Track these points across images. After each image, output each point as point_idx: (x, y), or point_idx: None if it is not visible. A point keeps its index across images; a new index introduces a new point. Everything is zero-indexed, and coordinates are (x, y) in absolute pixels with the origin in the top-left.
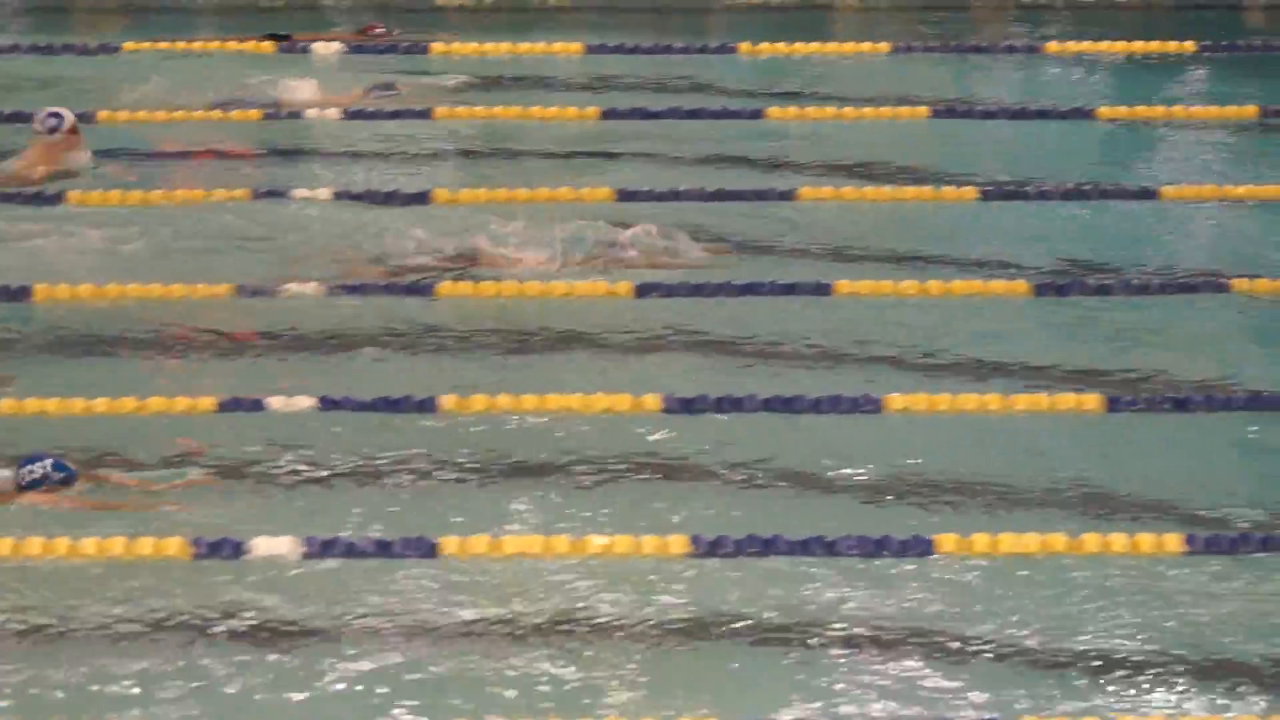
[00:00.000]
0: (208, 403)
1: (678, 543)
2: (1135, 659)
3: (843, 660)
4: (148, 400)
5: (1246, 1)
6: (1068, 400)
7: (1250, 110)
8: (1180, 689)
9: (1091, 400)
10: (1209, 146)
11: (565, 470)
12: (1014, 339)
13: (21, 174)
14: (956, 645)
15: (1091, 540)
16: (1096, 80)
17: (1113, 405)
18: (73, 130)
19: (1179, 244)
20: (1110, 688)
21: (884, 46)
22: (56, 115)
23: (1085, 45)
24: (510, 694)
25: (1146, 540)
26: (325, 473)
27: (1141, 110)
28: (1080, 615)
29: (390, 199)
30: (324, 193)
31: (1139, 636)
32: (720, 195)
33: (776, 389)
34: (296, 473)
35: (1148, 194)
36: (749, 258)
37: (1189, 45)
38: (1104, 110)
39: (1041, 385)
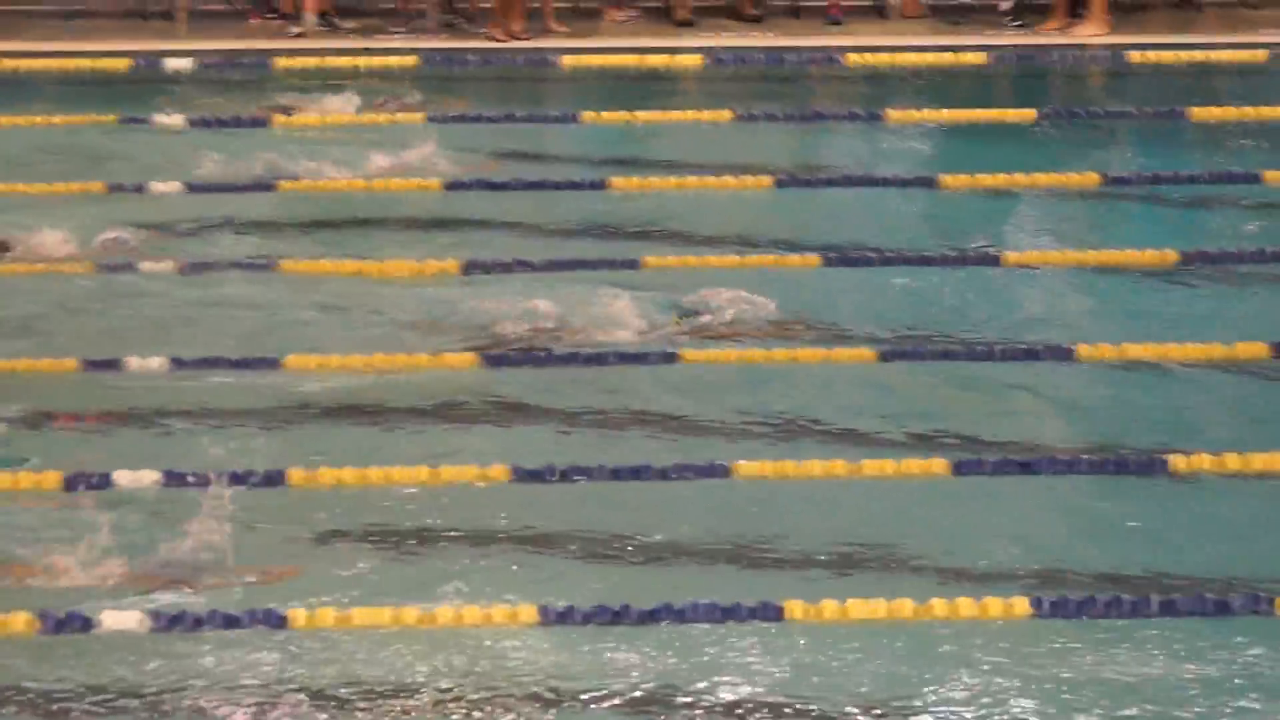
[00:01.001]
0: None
1: (526, 612)
2: None
3: None
4: None
5: (1088, 69)
6: (914, 465)
7: (1092, 178)
8: None
9: (938, 464)
10: (1051, 213)
11: (416, 540)
12: (860, 404)
13: None
14: (807, 713)
15: (939, 605)
16: (938, 147)
17: (959, 469)
18: None
19: (1023, 310)
20: None
21: (726, 114)
22: None
23: (926, 113)
24: None
25: (995, 604)
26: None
27: (983, 178)
28: (929, 680)
29: (233, 268)
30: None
31: (987, 701)
32: (565, 265)
33: (624, 458)
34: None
35: (990, 260)
36: (593, 326)
37: (1030, 113)
38: (946, 178)
39: (888, 450)
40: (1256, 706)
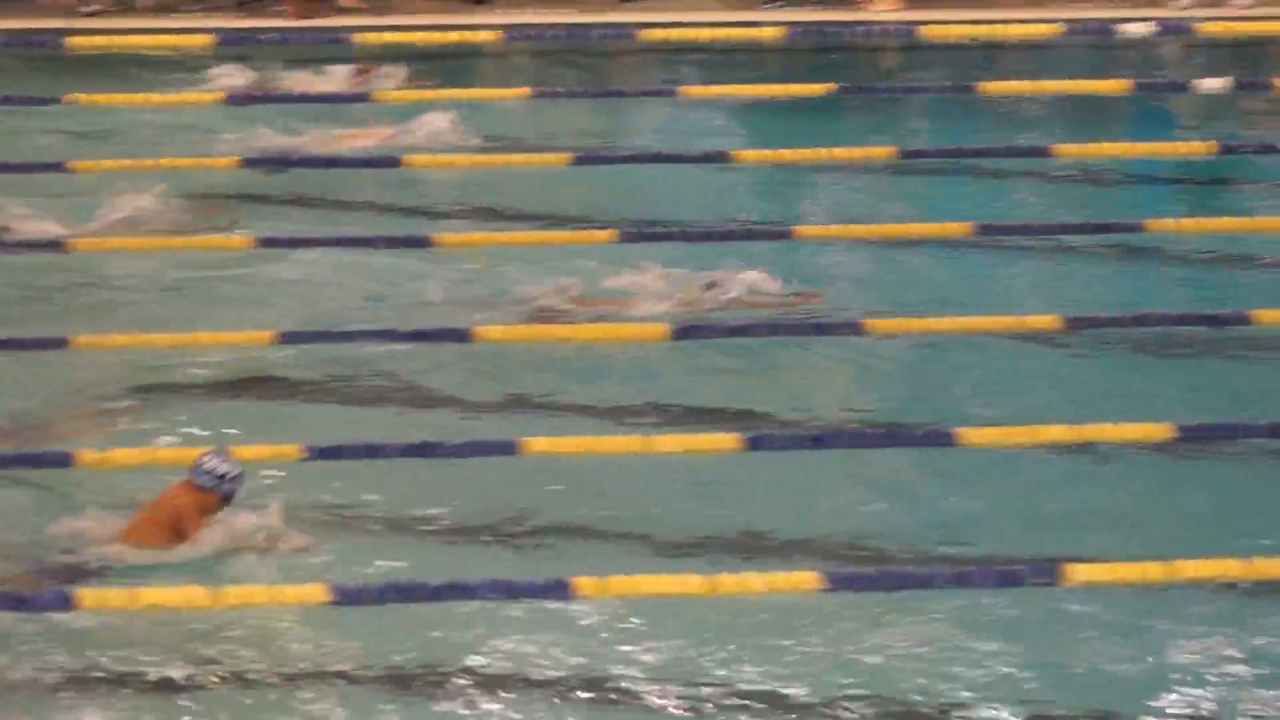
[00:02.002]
0: None
1: (318, 591)
2: (772, 695)
3: (485, 702)
4: None
5: (882, 45)
6: (706, 440)
7: (887, 151)
8: None
9: (730, 440)
10: (846, 187)
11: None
12: (654, 380)
13: None
14: (594, 686)
15: (728, 581)
16: (734, 123)
17: (752, 444)
18: None
19: (816, 284)
20: None
21: (524, 91)
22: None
23: (723, 89)
24: None
25: (782, 579)
26: None
27: (779, 152)
28: (718, 654)
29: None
30: None
31: (777, 673)
32: (357, 242)
33: (417, 435)
34: None
35: (783, 234)
36: (392, 306)
37: (825, 88)
38: (741, 152)
39: (681, 426)
40: (1033, 678)
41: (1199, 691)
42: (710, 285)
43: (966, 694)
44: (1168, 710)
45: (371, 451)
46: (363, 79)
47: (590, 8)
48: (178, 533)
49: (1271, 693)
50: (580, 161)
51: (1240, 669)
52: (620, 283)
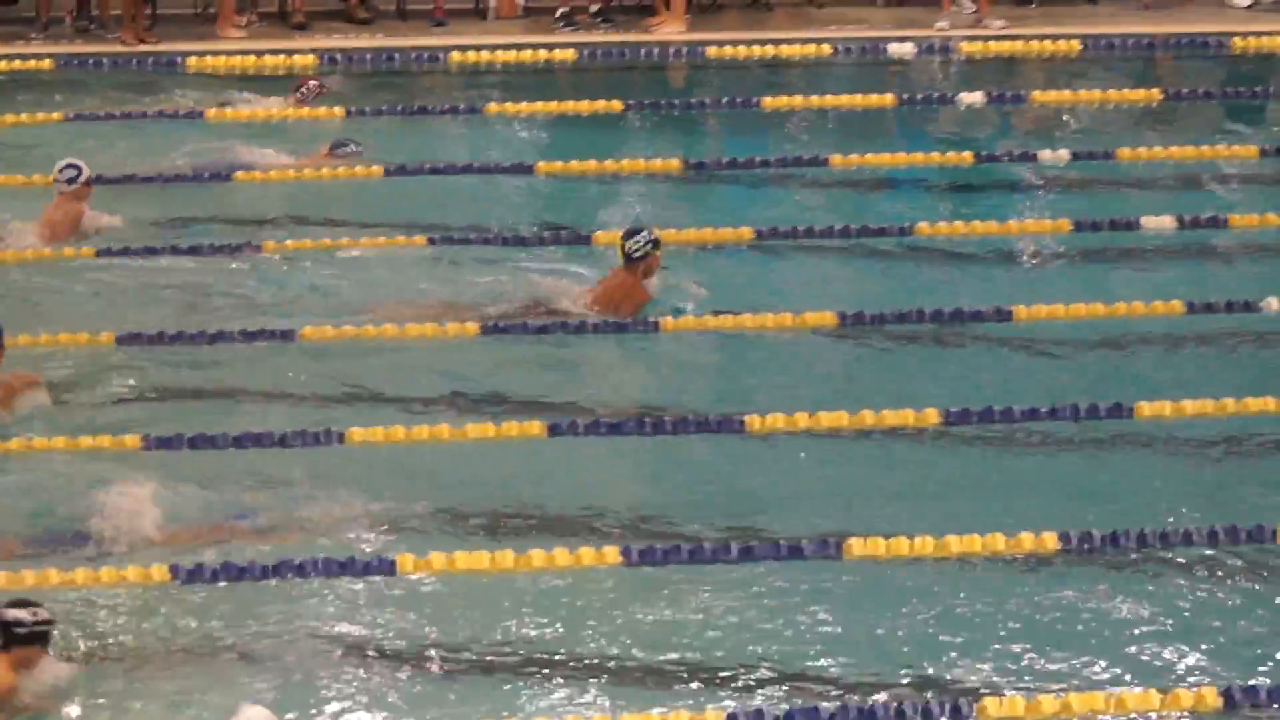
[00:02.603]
0: None
1: (160, 571)
2: (572, 665)
3: (321, 670)
4: None
5: (670, 64)
6: (513, 427)
7: (674, 163)
8: (615, 695)
9: (535, 427)
10: (639, 196)
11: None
12: (465, 374)
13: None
14: (416, 659)
15: (538, 555)
16: (535, 137)
17: (553, 430)
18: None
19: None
20: (551, 694)
21: (339, 111)
22: (74, 166)
23: (523, 106)
24: None
25: (588, 553)
26: None
27: (576, 165)
28: (529, 625)
29: None
30: None
31: (584, 646)
32: (185, 251)
33: (244, 425)
34: None
35: (582, 240)
36: (217, 308)
37: (617, 104)
38: (542, 165)
39: (489, 414)
40: (812, 644)
41: (968, 659)
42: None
43: (754, 660)
44: (937, 676)
45: (205, 442)
46: (302, 96)
47: (402, 33)
48: None
49: (1033, 656)
50: (390, 174)
51: (1005, 633)
52: (431, 285)
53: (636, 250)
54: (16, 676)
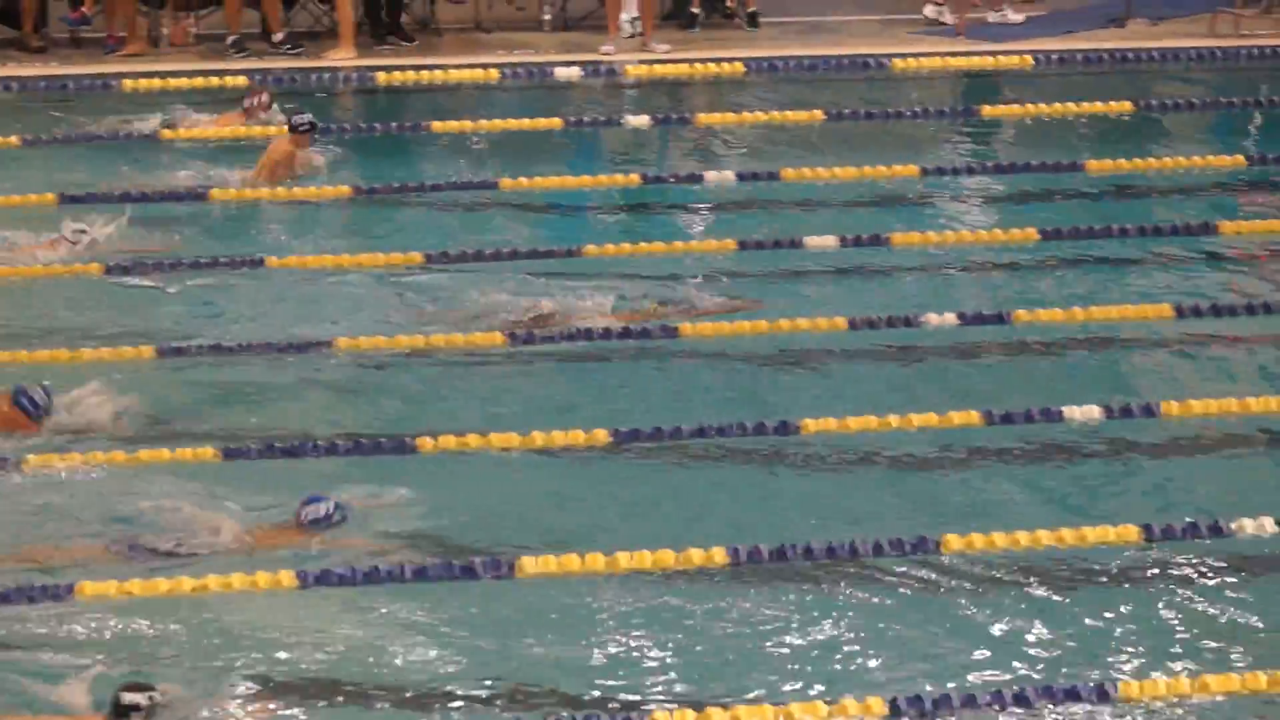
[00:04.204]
0: None
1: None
2: (262, 677)
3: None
4: None
5: (341, 89)
6: (187, 453)
7: (344, 190)
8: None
9: (207, 452)
10: (311, 221)
11: None
12: (140, 400)
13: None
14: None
15: (213, 580)
16: (211, 161)
17: (227, 455)
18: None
19: (288, 309)
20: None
21: (14, 140)
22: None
23: (200, 130)
24: None
25: (264, 577)
26: None
27: (249, 191)
28: (233, 651)
29: None
30: None
31: (257, 657)
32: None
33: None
34: None
35: (256, 263)
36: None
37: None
38: (216, 191)
39: (164, 442)
40: (491, 663)
41: (637, 675)
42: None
43: (431, 678)
44: (608, 692)
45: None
46: (250, 109)
47: (76, 61)
48: None
49: (703, 670)
50: (64, 200)
51: (675, 648)
52: None
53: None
54: None
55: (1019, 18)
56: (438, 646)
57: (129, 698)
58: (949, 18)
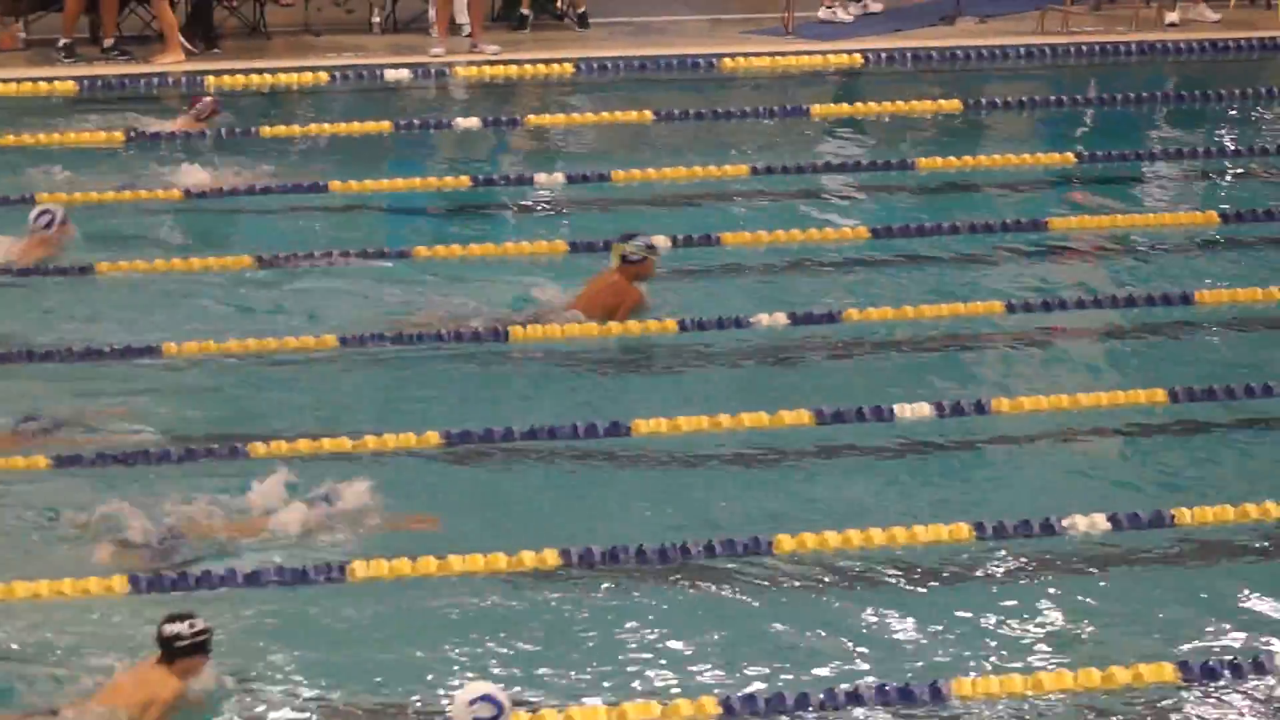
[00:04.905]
0: None
1: None
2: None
3: None
4: None
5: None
6: (20, 461)
7: (175, 193)
8: None
9: (42, 460)
10: (146, 225)
11: None
12: None
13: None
14: None
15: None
16: (33, 167)
17: (58, 464)
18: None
19: (119, 315)
20: None
21: None
22: (48, 212)
23: (26, 138)
24: None
25: (95, 583)
26: None
27: (79, 195)
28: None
29: None
30: None
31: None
32: None
33: None
34: None
35: (87, 270)
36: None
37: (118, 135)
38: (44, 195)
39: None
40: (323, 666)
41: (471, 674)
42: None
43: (257, 682)
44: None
45: None
46: (198, 114)
47: None
48: None
49: (534, 671)
50: None
51: (505, 649)
52: None
53: (635, 254)
54: (184, 684)
55: (848, 17)
56: (269, 651)
57: (170, 629)
58: (844, 15)
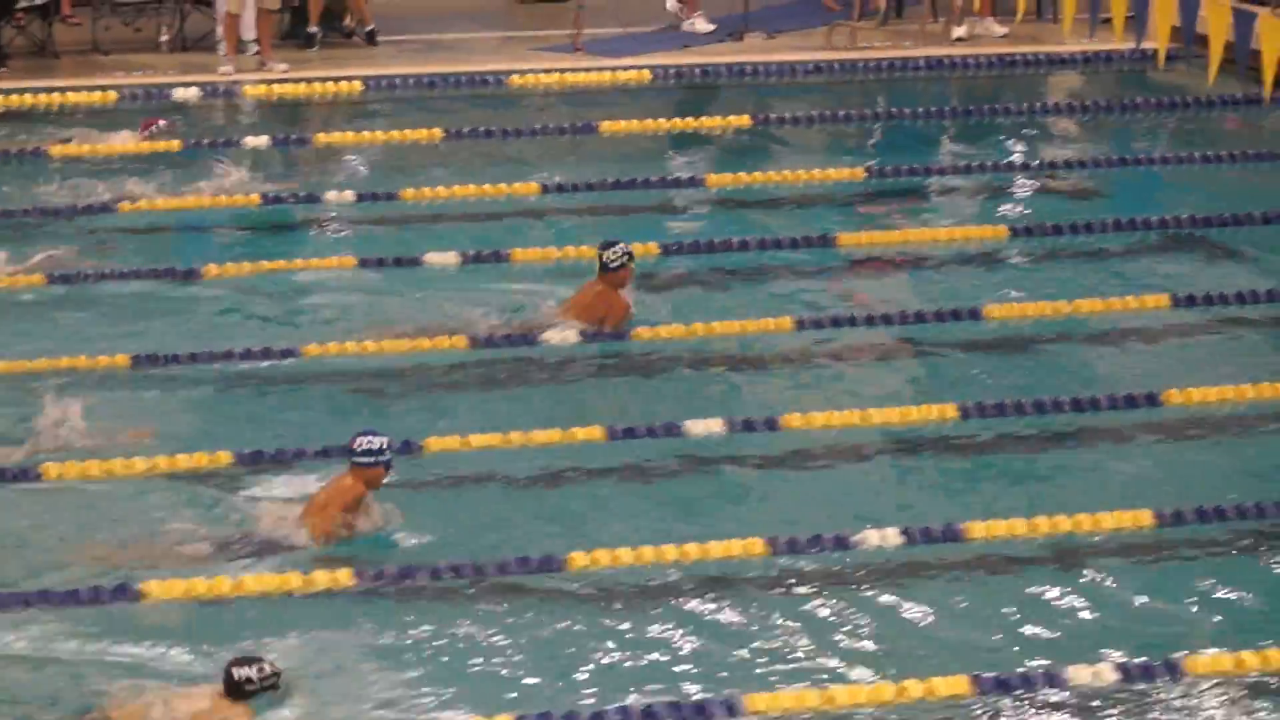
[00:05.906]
0: None
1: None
2: None
3: None
4: None
5: None
6: None
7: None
8: None
9: None
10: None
11: None
12: None
13: None
14: None
15: None
16: None
17: None
18: None
19: None
20: None
21: None
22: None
23: None
24: None
25: None
26: None
27: None
28: None
29: None
30: None
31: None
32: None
33: None
34: None
35: None
36: None
37: None
38: None
39: None
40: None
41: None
42: None
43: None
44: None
45: None
46: (151, 134)
47: None
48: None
49: (322, 697)
50: None
51: (313, 669)
52: None
53: (613, 260)
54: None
55: (709, 27)
56: (48, 668)
57: (240, 673)
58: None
